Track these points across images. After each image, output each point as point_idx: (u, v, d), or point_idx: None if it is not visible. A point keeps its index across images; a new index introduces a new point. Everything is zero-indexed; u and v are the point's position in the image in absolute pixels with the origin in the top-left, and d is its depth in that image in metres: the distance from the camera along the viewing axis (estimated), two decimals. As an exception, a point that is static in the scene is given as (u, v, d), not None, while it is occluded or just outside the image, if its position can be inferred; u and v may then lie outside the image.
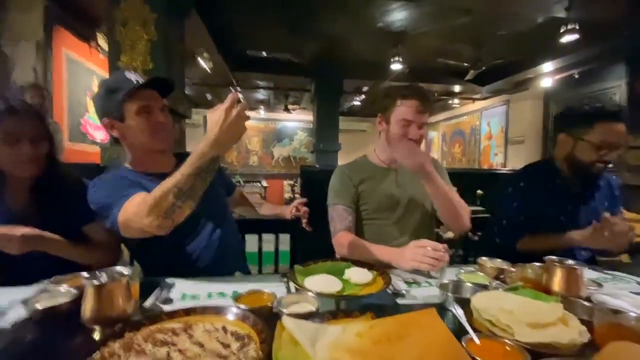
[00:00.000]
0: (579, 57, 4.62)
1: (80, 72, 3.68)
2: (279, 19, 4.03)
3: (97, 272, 0.65)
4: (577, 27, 3.47)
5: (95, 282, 0.61)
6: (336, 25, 4.16)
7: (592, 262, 1.25)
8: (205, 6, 3.40)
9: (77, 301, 0.68)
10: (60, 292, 0.74)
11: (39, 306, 0.68)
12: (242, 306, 0.66)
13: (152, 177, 1.05)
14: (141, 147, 1.04)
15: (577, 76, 5.06)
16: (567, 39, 3.59)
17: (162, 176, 0.96)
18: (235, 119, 0.78)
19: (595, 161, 1.21)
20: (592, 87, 4.94)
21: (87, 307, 0.61)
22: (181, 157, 1.14)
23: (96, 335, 0.62)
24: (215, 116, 0.78)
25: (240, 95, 0.82)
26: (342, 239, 1.23)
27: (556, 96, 5.63)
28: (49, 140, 1.04)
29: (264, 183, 8.10)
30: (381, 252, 1.10)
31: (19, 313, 0.70)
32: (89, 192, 0.98)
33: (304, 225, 1.34)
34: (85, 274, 0.68)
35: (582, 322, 0.60)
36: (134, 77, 1.00)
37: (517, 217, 1.35)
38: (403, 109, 1.23)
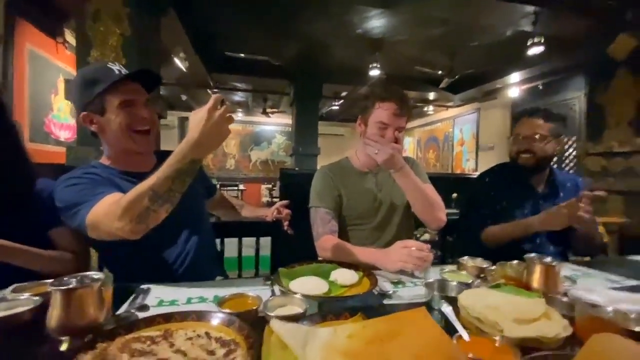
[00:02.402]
0: (543, 69, 4.94)
1: (45, 68, 3.45)
2: (258, 20, 4.00)
3: (64, 278, 0.59)
4: (542, 41, 3.71)
5: (63, 288, 0.55)
6: (316, 30, 4.19)
7: (564, 258, 1.32)
8: (182, 4, 3.31)
9: (40, 310, 0.62)
10: (21, 300, 0.67)
11: (-4, 316, 0.61)
12: (226, 310, 0.63)
13: (128, 175, 0.99)
14: (120, 144, 0.98)
15: (541, 87, 5.39)
16: (533, 51, 3.83)
17: (140, 176, 0.91)
18: (218, 121, 0.74)
19: (517, 151, 1.39)
20: (554, 98, 5.27)
21: (54, 315, 0.55)
22: (162, 155, 1.09)
23: (63, 347, 0.56)
24: (197, 117, 0.74)
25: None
26: (325, 242, 1.21)
27: (522, 105, 5.94)
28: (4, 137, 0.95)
29: (241, 187, 7.97)
30: (365, 254, 1.09)
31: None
32: (55, 189, 0.90)
33: (285, 228, 1.31)
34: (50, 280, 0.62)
35: (563, 317, 0.62)
36: (116, 67, 0.94)
37: (482, 211, 1.44)
38: (380, 112, 1.21)
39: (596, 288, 0.80)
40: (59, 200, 0.89)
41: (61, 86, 3.65)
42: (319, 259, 1.21)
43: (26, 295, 0.69)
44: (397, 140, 1.21)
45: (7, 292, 0.72)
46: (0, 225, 0.89)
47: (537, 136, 1.33)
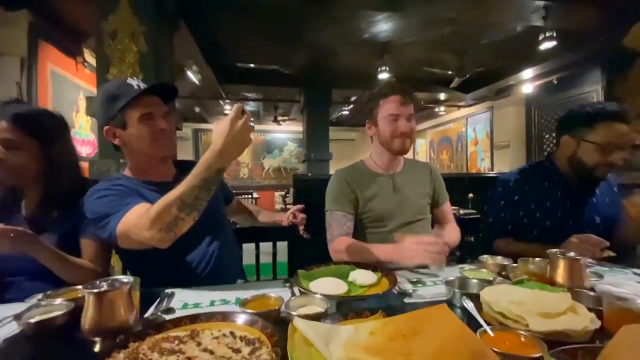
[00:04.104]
0: (557, 63, 4.83)
1: (66, 87, 3.61)
2: (267, 30, 4.08)
3: (96, 282, 0.62)
4: (555, 35, 3.64)
5: (96, 290, 0.58)
6: (324, 37, 4.24)
7: None
8: (194, 19, 3.42)
9: (73, 314, 0.65)
10: (55, 305, 0.71)
11: (33, 320, 0.64)
12: (250, 311, 0.65)
13: (151, 185, 1.03)
14: (143, 155, 1.02)
15: (555, 82, 5.26)
16: (545, 46, 3.76)
17: (162, 185, 0.95)
18: (240, 130, 0.78)
19: (598, 163, 1.19)
20: (570, 93, 5.14)
21: (88, 318, 0.58)
22: (181, 165, 1.14)
23: (96, 348, 0.59)
24: (220, 127, 0.78)
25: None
26: (339, 244, 1.20)
27: (537, 101, 5.83)
28: (44, 150, 1.02)
29: (255, 194, 8.05)
30: (380, 251, 1.08)
31: (11, 328, 0.66)
32: (85, 200, 0.95)
33: (301, 232, 1.32)
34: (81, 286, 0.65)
35: (590, 310, 0.60)
36: (135, 83, 0.99)
37: (504, 215, 1.37)
38: (388, 106, 1.26)
39: (624, 282, 0.78)
40: (90, 211, 0.93)
41: (82, 104, 3.80)
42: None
43: (59, 300, 0.73)
44: (411, 130, 1.25)
45: (41, 297, 0.76)
46: (42, 231, 0.97)
47: (625, 146, 1.15)
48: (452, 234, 1.34)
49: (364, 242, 1.18)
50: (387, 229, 1.30)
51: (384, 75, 4.77)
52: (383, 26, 4.00)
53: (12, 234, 0.83)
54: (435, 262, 0.92)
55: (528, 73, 5.27)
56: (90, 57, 3.83)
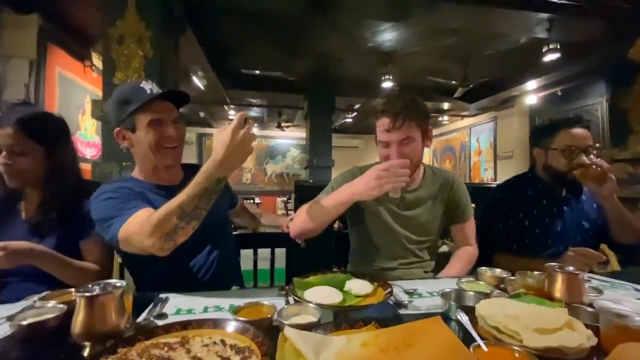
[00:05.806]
0: (561, 75, 4.82)
1: (73, 90, 3.67)
2: (272, 37, 4.12)
3: (89, 285, 0.62)
4: (558, 47, 3.64)
5: (87, 294, 0.58)
6: (328, 45, 4.27)
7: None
8: (199, 24, 3.47)
9: (65, 317, 0.65)
10: (48, 308, 0.70)
11: (25, 322, 0.64)
12: (241, 318, 0.64)
13: (158, 189, 1.04)
14: (149, 159, 1.03)
15: (559, 93, 5.26)
16: (549, 58, 3.77)
17: (169, 189, 0.97)
18: (242, 140, 0.78)
19: (567, 166, 1.28)
20: (574, 104, 5.13)
21: (78, 321, 0.57)
22: (189, 168, 1.14)
23: (86, 352, 0.59)
24: (222, 137, 0.78)
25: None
26: (302, 208, 1.13)
27: (541, 113, 5.82)
28: (48, 155, 1.03)
29: (257, 200, 8.06)
30: (343, 191, 1.01)
31: (3, 330, 0.66)
32: (91, 202, 0.96)
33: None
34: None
35: (587, 327, 0.59)
36: (148, 87, 0.99)
37: (497, 227, 1.40)
38: (378, 130, 1.11)
39: (624, 298, 0.76)
40: (94, 213, 0.94)
41: (88, 106, 3.85)
42: (334, 269, 1.18)
43: (52, 303, 0.73)
44: (405, 159, 1.02)
45: (35, 299, 0.76)
46: (49, 231, 0.99)
47: (586, 148, 1.26)
48: (456, 264, 1.22)
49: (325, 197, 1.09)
50: (392, 239, 1.25)
51: (387, 84, 4.79)
52: (387, 35, 4.03)
53: (1, 253, 0.83)
54: (396, 187, 0.91)
55: (532, 84, 5.27)
56: (98, 61, 3.89)
